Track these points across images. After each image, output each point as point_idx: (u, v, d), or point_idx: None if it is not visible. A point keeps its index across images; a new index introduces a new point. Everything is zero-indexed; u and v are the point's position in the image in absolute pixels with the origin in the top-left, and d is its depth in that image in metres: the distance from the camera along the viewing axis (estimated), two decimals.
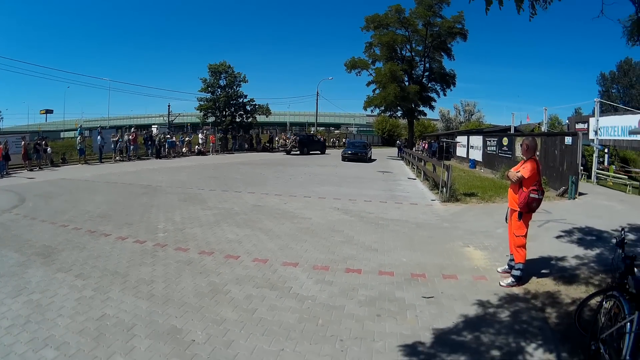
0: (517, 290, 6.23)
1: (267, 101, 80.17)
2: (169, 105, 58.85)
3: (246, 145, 47.13)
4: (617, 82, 77.08)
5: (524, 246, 6.36)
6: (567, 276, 6.77)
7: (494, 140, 26.41)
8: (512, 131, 32.45)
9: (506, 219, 6.84)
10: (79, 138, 28.22)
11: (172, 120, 59.81)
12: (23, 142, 24.18)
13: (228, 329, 4.95)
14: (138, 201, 13.36)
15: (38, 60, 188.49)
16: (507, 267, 6.87)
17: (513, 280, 6.36)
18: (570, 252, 7.99)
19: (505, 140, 24.31)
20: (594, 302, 4.92)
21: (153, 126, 52.67)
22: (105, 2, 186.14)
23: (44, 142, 25.52)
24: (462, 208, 12.96)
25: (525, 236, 6.37)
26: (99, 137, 28.88)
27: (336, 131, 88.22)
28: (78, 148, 27.90)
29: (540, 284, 6.43)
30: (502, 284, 6.38)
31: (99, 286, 6.12)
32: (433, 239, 9.11)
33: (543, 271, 6.97)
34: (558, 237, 9.18)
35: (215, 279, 6.57)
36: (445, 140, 17.01)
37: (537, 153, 6.83)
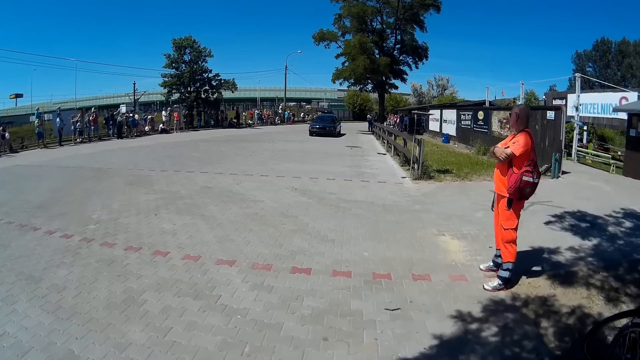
0: (505, 294, 4.98)
1: (235, 76, 77.66)
2: (134, 83, 56.57)
3: (212, 122, 45.32)
4: (593, 60, 76.63)
5: (514, 241, 5.04)
6: (563, 275, 5.54)
7: (468, 114, 25.21)
8: (487, 105, 31.29)
9: (492, 206, 5.51)
10: (36, 121, 26.49)
11: (138, 99, 57.50)
12: None
13: (130, 357, 3.73)
14: (82, 186, 11.94)
15: (2, 45, 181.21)
16: (491, 264, 5.59)
17: (500, 282, 5.07)
18: (564, 243, 6.75)
19: (480, 114, 23.08)
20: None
21: (122, 105, 50.38)
22: None
23: (1, 128, 23.76)
24: (436, 187, 11.68)
25: (515, 229, 5.04)
26: (57, 119, 27.11)
27: (307, 106, 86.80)
28: (36, 132, 26.25)
29: (532, 286, 5.18)
30: (486, 287, 5.09)
31: (8, 295, 5.09)
32: (402, 226, 7.77)
33: (534, 268, 5.72)
34: (548, 223, 7.92)
35: (133, 284, 5.28)
36: (417, 112, 15.79)
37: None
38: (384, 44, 46.68)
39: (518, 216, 5.04)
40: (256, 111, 53.99)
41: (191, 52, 44.10)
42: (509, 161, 4.95)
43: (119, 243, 6.87)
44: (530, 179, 4.79)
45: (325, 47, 46.17)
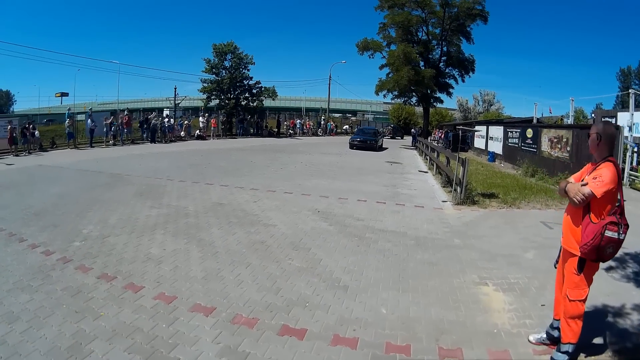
0: None
1: (276, 85, 77.58)
2: (175, 88, 56.13)
3: (251, 130, 44.66)
4: (639, 77, 73.39)
5: (580, 317, 3.65)
6: (631, 349, 4.15)
7: (516, 132, 23.45)
8: (535, 122, 29.22)
9: (556, 262, 4.07)
10: (67, 121, 26.27)
11: (179, 103, 57.43)
12: (9, 127, 22.34)
13: None
14: (90, 194, 11.10)
15: (49, 46, 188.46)
16: (544, 336, 4.17)
17: None
18: (629, 298, 5.27)
19: (529, 132, 21.30)
20: None
21: (165, 110, 50.23)
22: None
23: (31, 126, 23.63)
24: (480, 214, 10.21)
25: (584, 301, 3.64)
26: (89, 120, 26.99)
27: (352, 118, 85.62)
28: (67, 132, 26.10)
29: None
30: None
31: None
32: (436, 268, 6.35)
33: (596, 340, 4.29)
34: (608, 269, 6.31)
35: (87, 326, 4.32)
36: (462, 128, 14.19)
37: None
38: (430, 56, 45.17)
39: (590, 282, 3.62)
40: (298, 121, 53.09)
41: (232, 58, 43.62)
42: (587, 204, 3.51)
43: (95, 268, 5.91)
44: (615, 235, 3.32)
45: (370, 57, 45.08)
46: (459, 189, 11.54)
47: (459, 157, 11.94)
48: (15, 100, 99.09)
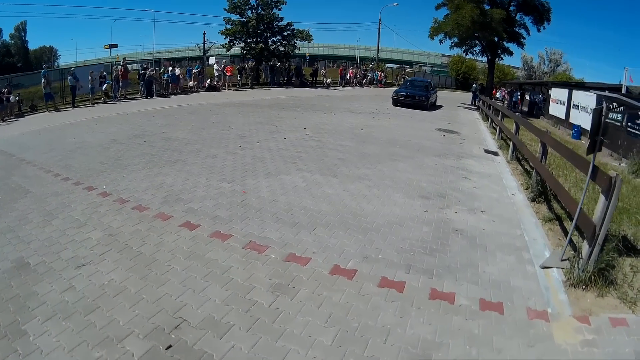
0: None
1: (318, 27, 71.31)
2: (204, 34, 50.20)
3: (282, 79, 37.87)
4: None
5: None
6: None
7: (620, 106, 15.41)
8: (624, 91, 20.66)
9: None
10: (43, 81, 21.27)
11: (207, 51, 51.43)
12: None
13: None
14: None
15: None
16: None
17: None
18: None
19: None
20: None
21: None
22: None
23: (6, 90, 19.62)
24: None
25: None
26: (70, 77, 22.27)
27: (409, 69, 77.72)
28: (44, 93, 21.54)
29: None
30: None
31: None
32: None
33: None
34: None
35: None
36: (604, 94, 8.20)
37: None
38: None
39: None
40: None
41: None
42: None
43: None
44: None
45: None
46: (586, 249, 4.69)
47: (594, 168, 5.06)
48: (60, 55, 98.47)
